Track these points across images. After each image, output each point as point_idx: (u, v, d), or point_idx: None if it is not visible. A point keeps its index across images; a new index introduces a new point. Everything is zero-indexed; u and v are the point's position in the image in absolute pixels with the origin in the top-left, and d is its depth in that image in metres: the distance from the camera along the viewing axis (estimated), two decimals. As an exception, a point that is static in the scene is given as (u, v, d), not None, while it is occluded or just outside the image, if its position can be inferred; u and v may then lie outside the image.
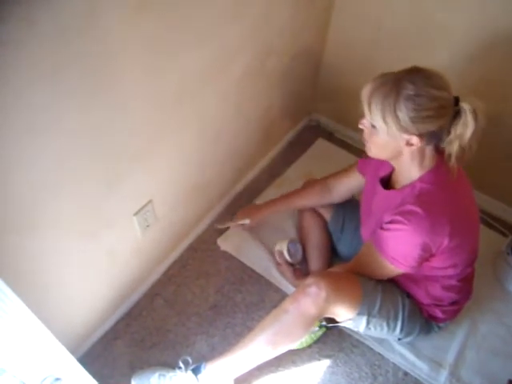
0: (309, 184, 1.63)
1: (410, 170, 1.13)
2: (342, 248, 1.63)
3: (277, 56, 1.61)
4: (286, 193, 1.67)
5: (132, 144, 1.15)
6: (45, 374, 0.73)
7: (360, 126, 1.12)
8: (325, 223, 1.65)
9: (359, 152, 2.09)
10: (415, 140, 1.04)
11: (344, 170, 1.53)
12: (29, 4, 0.71)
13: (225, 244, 1.74)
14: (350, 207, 1.60)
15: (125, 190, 1.22)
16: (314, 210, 1.67)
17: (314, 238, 1.64)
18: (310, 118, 2.28)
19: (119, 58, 0.95)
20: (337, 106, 2.13)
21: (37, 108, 0.84)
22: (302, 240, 1.69)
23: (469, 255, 1.24)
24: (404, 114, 1.00)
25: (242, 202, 1.89)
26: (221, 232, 1.77)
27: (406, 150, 1.08)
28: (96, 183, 1.11)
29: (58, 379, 0.73)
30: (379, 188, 1.26)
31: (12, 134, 0.82)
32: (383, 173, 1.27)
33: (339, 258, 1.65)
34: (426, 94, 0.99)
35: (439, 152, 1.11)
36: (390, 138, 1.06)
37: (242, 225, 1.70)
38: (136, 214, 1.31)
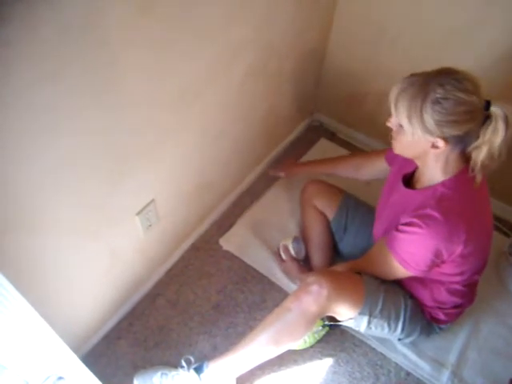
0: (345, 157, 1.80)
1: (433, 172, 1.12)
2: (344, 247, 1.63)
3: (279, 57, 1.61)
4: (323, 159, 1.80)
5: (134, 144, 1.15)
6: (48, 373, 0.73)
7: (388, 124, 1.12)
8: (327, 222, 1.65)
9: (361, 152, 2.09)
10: (441, 143, 1.02)
11: (373, 152, 1.56)
12: (30, 4, 0.72)
13: (227, 244, 1.74)
14: (352, 207, 1.60)
15: (127, 190, 1.22)
16: (317, 209, 1.67)
17: (317, 236, 1.64)
18: (312, 118, 2.28)
19: (121, 58, 0.95)
20: (339, 106, 2.13)
21: (38, 108, 0.84)
22: (304, 239, 1.69)
23: (478, 264, 1.23)
24: (430, 116, 0.99)
25: (244, 202, 1.90)
26: (223, 231, 1.78)
27: (431, 153, 1.07)
28: (98, 183, 1.11)
29: (60, 378, 0.74)
30: (400, 185, 1.25)
31: (14, 134, 0.83)
32: (407, 169, 1.26)
33: (341, 257, 1.65)
34: (454, 98, 0.97)
35: (465, 159, 1.09)
36: (415, 138, 1.05)
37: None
38: (138, 213, 1.32)
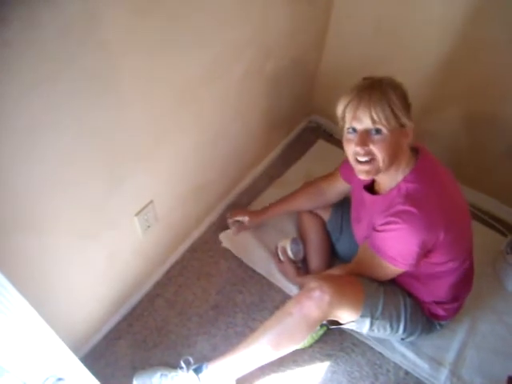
0: (305, 186, 1.64)
1: (391, 174, 1.16)
2: (341, 248, 1.64)
3: (276, 58, 1.61)
4: (284, 196, 1.69)
5: (133, 145, 1.15)
6: (47, 374, 0.73)
7: (358, 148, 1.12)
8: (323, 224, 1.66)
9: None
10: (411, 126, 1.10)
11: (331, 175, 1.55)
12: (30, 5, 0.72)
13: (226, 240, 1.75)
14: (348, 208, 1.60)
15: (126, 191, 1.22)
16: (313, 211, 1.67)
17: (314, 238, 1.65)
18: (309, 120, 2.28)
19: (119, 59, 0.95)
20: (336, 107, 2.13)
21: (38, 109, 0.84)
22: (302, 241, 1.69)
23: (465, 246, 1.25)
24: (404, 104, 1.08)
25: (242, 203, 1.90)
26: (222, 230, 1.78)
27: (403, 147, 1.12)
28: (97, 184, 1.11)
29: (60, 379, 0.74)
30: (365, 194, 1.28)
31: (14, 135, 0.83)
32: (365, 181, 1.29)
33: (338, 258, 1.66)
34: (400, 87, 1.10)
35: (415, 151, 1.17)
36: (396, 134, 1.08)
37: (238, 222, 1.73)
38: (137, 214, 1.32)
